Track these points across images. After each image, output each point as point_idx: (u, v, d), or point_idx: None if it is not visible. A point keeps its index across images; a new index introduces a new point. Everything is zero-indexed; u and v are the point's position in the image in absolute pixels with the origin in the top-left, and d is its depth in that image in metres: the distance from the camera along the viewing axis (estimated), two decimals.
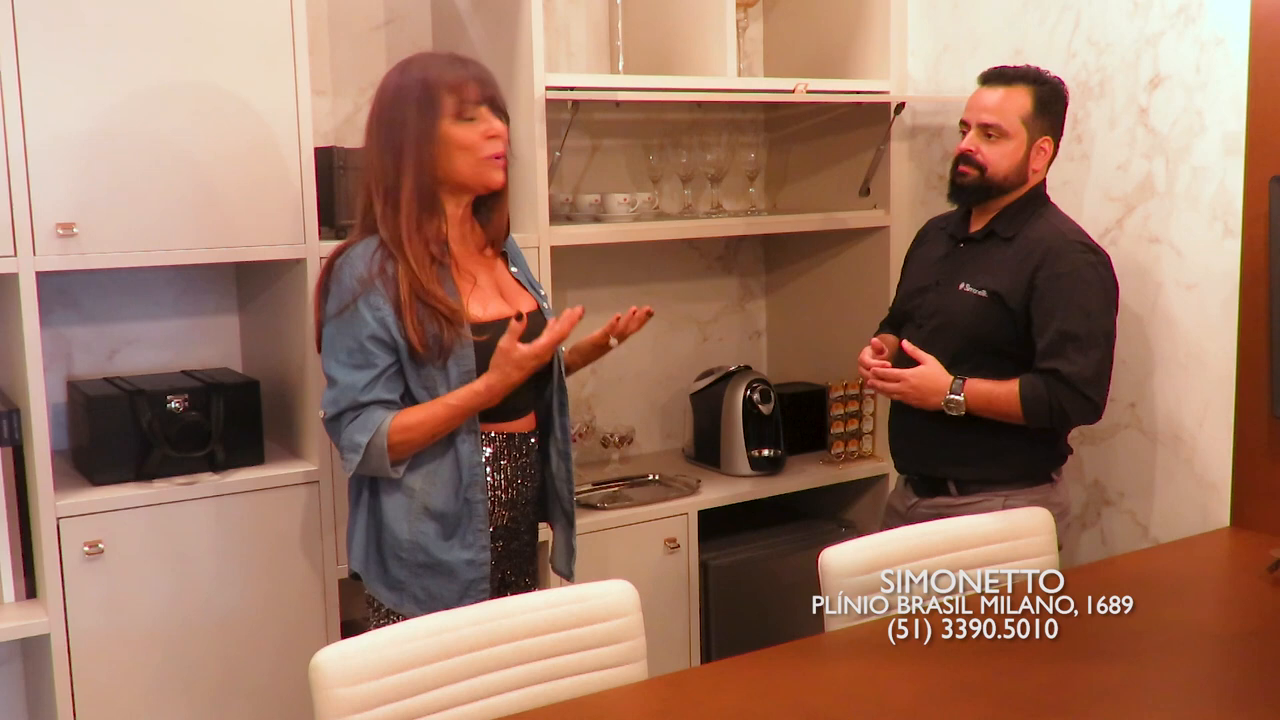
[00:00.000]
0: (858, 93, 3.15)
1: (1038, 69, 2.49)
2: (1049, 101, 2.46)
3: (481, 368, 2.08)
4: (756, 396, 3.13)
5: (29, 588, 2.32)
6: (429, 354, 2.05)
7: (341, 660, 1.70)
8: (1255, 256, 2.52)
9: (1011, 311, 2.41)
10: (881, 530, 2.62)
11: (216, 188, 2.35)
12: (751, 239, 3.54)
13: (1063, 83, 2.51)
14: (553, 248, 2.72)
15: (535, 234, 2.70)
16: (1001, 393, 2.38)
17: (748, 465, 3.12)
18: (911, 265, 2.71)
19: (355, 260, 2.06)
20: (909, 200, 3.21)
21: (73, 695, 2.27)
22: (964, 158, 2.47)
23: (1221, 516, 2.63)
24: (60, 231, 2.20)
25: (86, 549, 2.26)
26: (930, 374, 2.44)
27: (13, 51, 2.14)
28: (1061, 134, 2.52)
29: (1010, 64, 2.52)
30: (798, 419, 3.25)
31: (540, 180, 2.69)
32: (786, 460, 3.18)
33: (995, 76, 2.48)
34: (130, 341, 2.69)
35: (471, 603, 2.06)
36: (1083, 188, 2.86)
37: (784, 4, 3.44)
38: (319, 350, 2.11)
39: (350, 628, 2.52)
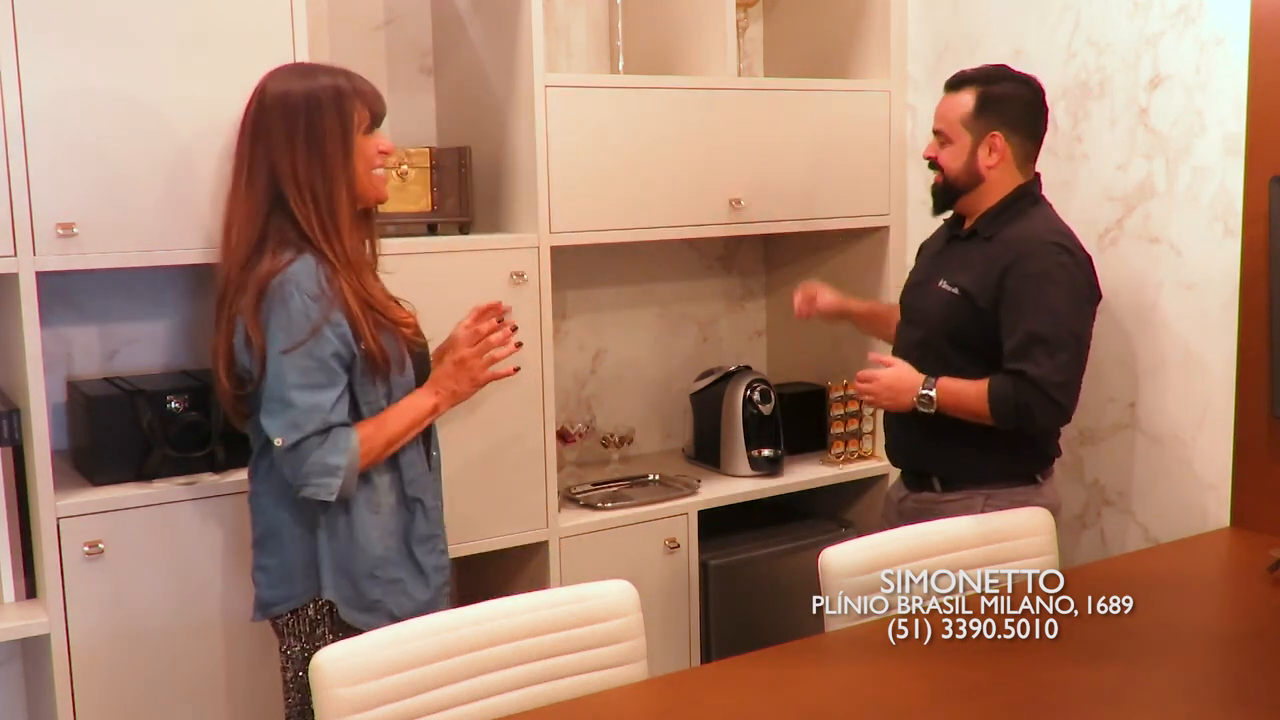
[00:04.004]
0: (858, 93, 3.15)
1: (1000, 69, 2.50)
2: (995, 100, 2.44)
3: (420, 377, 2.14)
4: (756, 396, 3.13)
5: (29, 588, 2.32)
6: (385, 366, 2.05)
7: (341, 660, 1.71)
8: (1255, 256, 2.52)
9: (980, 310, 2.40)
10: (880, 523, 2.65)
11: (217, 188, 2.34)
12: (751, 239, 3.54)
13: (1032, 80, 2.49)
14: (553, 248, 2.72)
15: (535, 234, 2.70)
16: (971, 392, 2.37)
17: (748, 465, 3.12)
18: (918, 260, 2.74)
19: (302, 278, 1.99)
20: (909, 200, 3.21)
21: (73, 695, 2.27)
22: (930, 163, 2.54)
23: (1221, 516, 2.63)
24: (60, 231, 2.20)
25: (86, 549, 2.26)
26: (900, 375, 2.45)
27: (13, 51, 2.14)
28: (1032, 129, 2.48)
29: (973, 67, 2.54)
30: (798, 419, 3.24)
31: (540, 180, 2.69)
32: (786, 460, 3.18)
33: (950, 83, 2.52)
34: (130, 341, 2.68)
35: (441, 605, 2.10)
36: (1083, 188, 2.86)
37: (784, 4, 3.44)
38: (262, 374, 2.00)
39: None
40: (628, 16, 3.18)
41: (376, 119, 2.12)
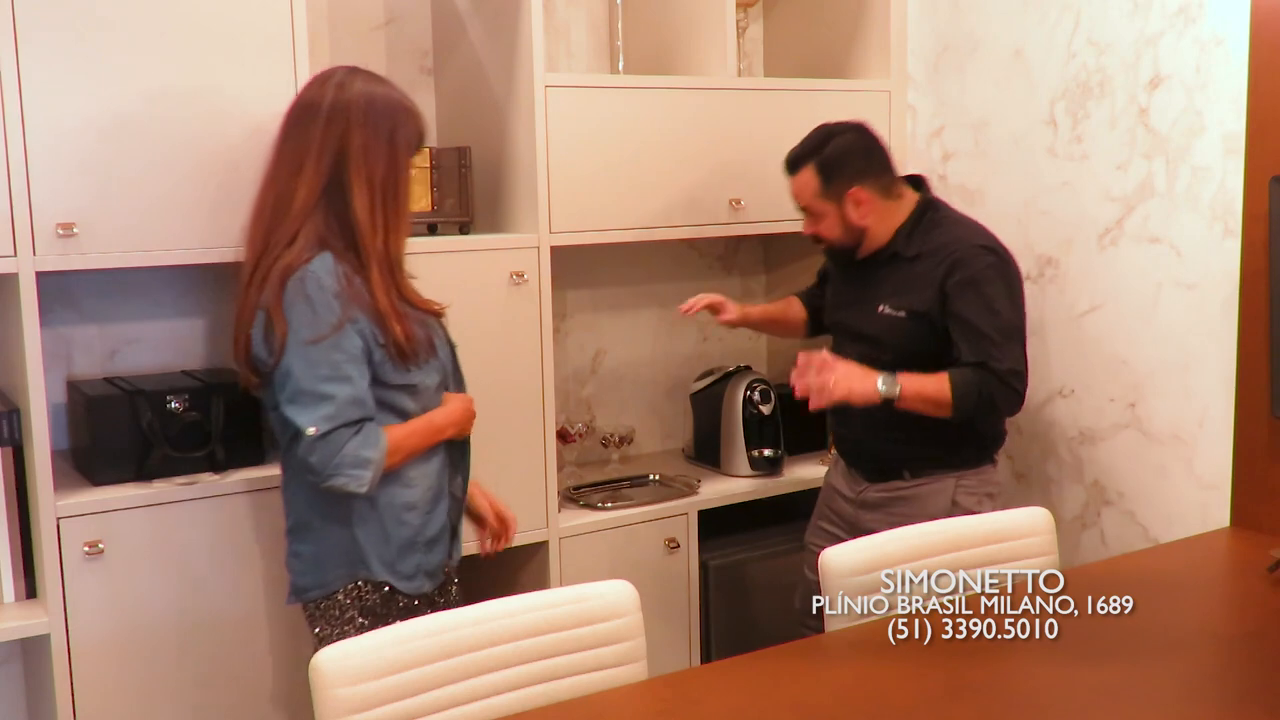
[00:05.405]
0: (858, 93, 3.15)
1: (822, 130, 2.56)
2: (833, 163, 2.52)
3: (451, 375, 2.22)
4: (756, 396, 3.13)
5: (29, 588, 2.32)
6: (414, 354, 2.10)
7: (341, 660, 1.70)
8: (1255, 256, 2.52)
9: (933, 325, 2.48)
10: (819, 515, 2.73)
11: (216, 187, 2.35)
12: (751, 239, 3.54)
13: (855, 125, 2.57)
14: (553, 248, 2.72)
15: (535, 234, 2.70)
16: (931, 382, 2.42)
17: (748, 465, 3.12)
18: (829, 282, 2.81)
19: (322, 275, 2.02)
20: None
21: (73, 695, 2.27)
22: (814, 238, 2.63)
23: (1221, 516, 2.63)
24: (60, 231, 2.20)
25: (86, 549, 2.26)
26: (851, 366, 2.42)
27: (13, 51, 2.14)
28: (879, 166, 2.56)
29: (800, 142, 2.58)
30: (798, 419, 3.23)
31: (540, 180, 2.69)
32: (786, 460, 3.18)
33: (788, 163, 2.59)
34: (130, 341, 2.69)
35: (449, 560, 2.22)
36: (1083, 188, 2.86)
37: (784, 4, 3.44)
38: (277, 363, 2.01)
39: None
40: (628, 16, 3.18)
41: (420, 146, 2.20)
